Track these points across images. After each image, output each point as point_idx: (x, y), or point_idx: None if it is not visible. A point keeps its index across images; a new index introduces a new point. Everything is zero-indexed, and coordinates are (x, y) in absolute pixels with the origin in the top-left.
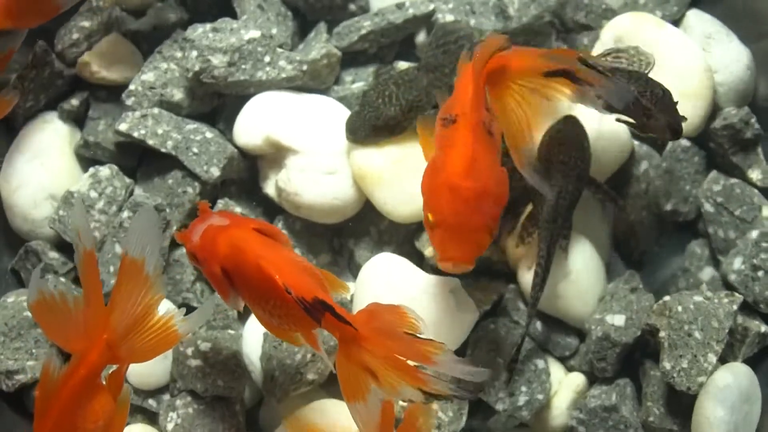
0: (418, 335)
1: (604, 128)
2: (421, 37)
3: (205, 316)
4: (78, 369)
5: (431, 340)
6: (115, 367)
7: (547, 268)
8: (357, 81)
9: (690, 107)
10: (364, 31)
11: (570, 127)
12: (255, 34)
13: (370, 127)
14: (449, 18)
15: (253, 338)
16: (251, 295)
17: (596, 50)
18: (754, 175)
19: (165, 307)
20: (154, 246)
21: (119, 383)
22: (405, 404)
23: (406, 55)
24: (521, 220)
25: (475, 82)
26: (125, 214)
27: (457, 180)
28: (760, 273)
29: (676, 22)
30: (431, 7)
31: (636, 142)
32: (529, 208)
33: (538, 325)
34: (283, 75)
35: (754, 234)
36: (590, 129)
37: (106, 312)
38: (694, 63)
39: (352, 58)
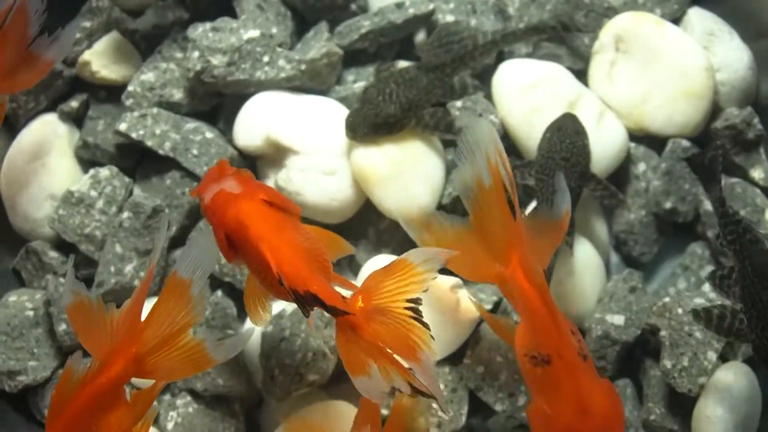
0: (419, 303)
1: (602, 127)
2: (420, 37)
3: (241, 345)
4: (99, 376)
5: (426, 329)
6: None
7: (553, 264)
8: (359, 81)
9: (691, 107)
10: (364, 30)
11: (570, 125)
12: (254, 33)
13: (370, 124)
14: (450, 18)
15: (252, 337)
16: (252, 267)
17: (596, 49)
18: (757, 174)
19: None
20: (205, 270)
21: (148, 402)
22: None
23: (406, 55)
24: None
25: (549, 307)
26: (125, 214)
27: (584, 427)
28: None
29: (677, 20)
30: (431, 6)
31: (632, 144)
32: (530, 206)
33: None
34: (282, 75)
35: None
36: (588, 128)
37: (142, 326)
38: (695, 62)
39: (353, 58)
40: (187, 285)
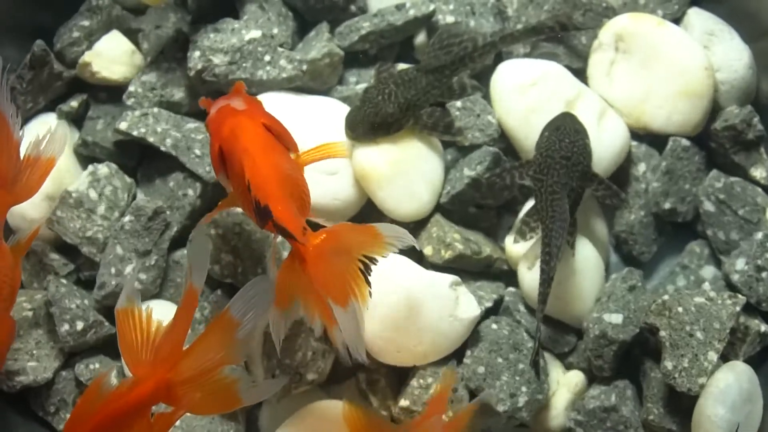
0: (374, 263)
1: (603, 126)
2: (420, 39)
3: (273, 391)
4: (128, 395)
5: (367, 284)
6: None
7: (554, 265)
8: (360, 82)
9: (690, 106)
10: (363, 32)
11: (569, 123)
12: (256, 34)
13: (369, 123)
14: (449, 19)
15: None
16: (233, 180)
17: (595, 48)
18: (758, 173)
19: (168, 309)
20: (256, 316)
21: (166, 427)
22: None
23: (406, 57)
24: (520, 216)
25: None
26: (127, 217)
27: None
28: (764, 274)
29: (677, 20)
30: (431, 7)
31: (634, 143)
32: (528, 204)
33: None
34: (284, 75)
35: (759, 235)
36: (588, 127)
37: (182, 354)
38: (695, 61)
39: (354, 59)
40: (235, 326)
